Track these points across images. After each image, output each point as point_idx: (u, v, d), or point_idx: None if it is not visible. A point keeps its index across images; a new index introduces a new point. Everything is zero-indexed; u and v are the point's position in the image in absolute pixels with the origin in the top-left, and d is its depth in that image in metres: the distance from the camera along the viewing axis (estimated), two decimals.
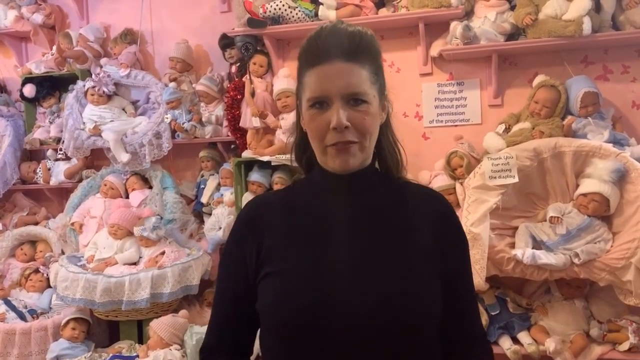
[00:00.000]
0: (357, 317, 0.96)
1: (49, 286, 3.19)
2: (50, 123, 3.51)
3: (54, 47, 3.47)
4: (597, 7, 2.50)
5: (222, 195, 3.10)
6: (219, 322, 1.14)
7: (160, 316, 2.75)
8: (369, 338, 0.96)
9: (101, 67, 3.33)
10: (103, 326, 3.09)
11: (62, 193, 3.57)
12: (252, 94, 2.94)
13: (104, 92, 3.22)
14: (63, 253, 3.28)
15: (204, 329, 2.60)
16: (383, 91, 1.09)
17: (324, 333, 0.97)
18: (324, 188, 1.09)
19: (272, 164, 2.86)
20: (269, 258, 1.06)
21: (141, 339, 2.90)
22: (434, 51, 2.77)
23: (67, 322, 2.85)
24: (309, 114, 1.04)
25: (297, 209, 1.10)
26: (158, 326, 2.67)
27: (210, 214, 3.15)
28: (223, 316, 1.13)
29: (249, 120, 2.93)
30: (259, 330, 1.10)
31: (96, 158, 3.46)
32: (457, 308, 1.07)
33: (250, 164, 2.97)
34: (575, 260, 2.33)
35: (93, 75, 3.28)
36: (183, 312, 2.80)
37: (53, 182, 3.46)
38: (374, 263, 1.01)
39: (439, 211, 1.10)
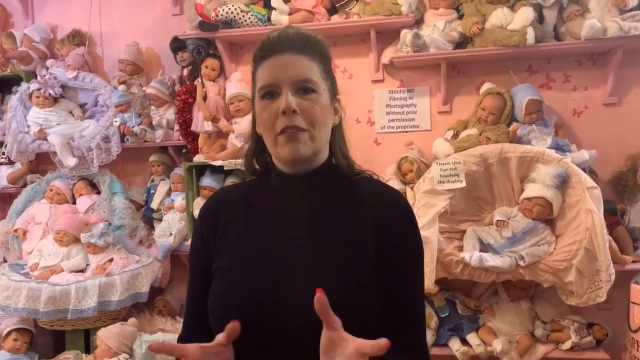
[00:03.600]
0: (286, 318, 0.96)
1: None
2: None
3: None
4: (540, 18, 2.59)
5: (173, 200, 3.05)
6: (188, 313, 1.14)
7: (108, 325, 2.68)
8: (299, 338, 0.94)
9: (47, 68, 3.23)
10: (48, 336, 2.98)
11: (5, 198, 3.44)
12: (204, 98, 2.91)
13: (49, 94, 3.12)
14: (5, 261, 3.15)
15: (154, 337, 2.60)
16: (335, 93, 1.11)
17: (254, 333, 0.96)
18: (281, 190, 1.09)
19: (225, 168, 2.83)
20: (219, 253, 1.07)
21: (88, 348, 2.80)
22: (385, 58, 2.81)
23: (9, 333, 2.74)
24: (261, 105, 1.04)
25: (255, 210, 1.10)
26: (106, 335, 2.60)
27: (160, 220, 3.10)
28: (191, 308, 1.12)
29: (201, 124, 2.90)
30: None
31: (41, 162, 3.36)
32: (390, 309, 1.00)
33: (202, 169, 2.93)
34: (521, 263, 2.39)
35: (38, 77, 3.18)
36: (132, 320, 2.73)
37: None
38: (314, 267, 1.00)
39: (384, 209, 1.06)
